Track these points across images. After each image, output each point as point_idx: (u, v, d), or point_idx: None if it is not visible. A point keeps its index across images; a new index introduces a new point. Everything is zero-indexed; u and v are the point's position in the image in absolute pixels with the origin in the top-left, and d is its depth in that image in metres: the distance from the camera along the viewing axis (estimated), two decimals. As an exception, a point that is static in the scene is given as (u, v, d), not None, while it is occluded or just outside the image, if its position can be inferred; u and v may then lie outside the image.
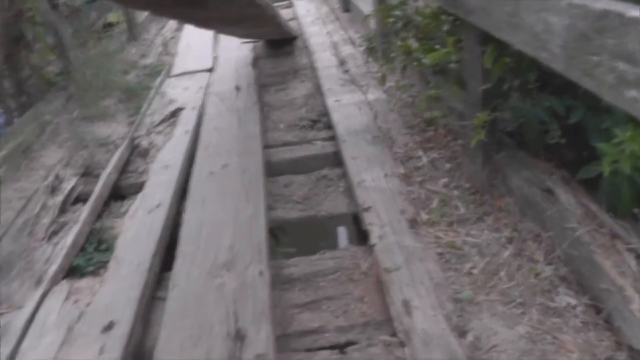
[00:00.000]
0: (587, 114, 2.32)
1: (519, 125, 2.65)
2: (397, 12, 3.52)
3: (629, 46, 1.35)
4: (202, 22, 4.43)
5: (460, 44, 2.76)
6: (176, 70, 5.59)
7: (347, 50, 5.37)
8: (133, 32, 7.02)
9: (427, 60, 3.08)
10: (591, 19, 1.50)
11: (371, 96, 4.06)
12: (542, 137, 2.50)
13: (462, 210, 2.64)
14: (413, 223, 2.55)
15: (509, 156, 2.68)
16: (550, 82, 2.51)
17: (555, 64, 1.74)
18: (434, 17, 3.23)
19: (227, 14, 3.72)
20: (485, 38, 2.35)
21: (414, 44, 3.42)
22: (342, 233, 2.96)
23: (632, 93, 1.36)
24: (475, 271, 2.24)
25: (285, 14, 7.85)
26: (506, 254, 2.31)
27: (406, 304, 2.05)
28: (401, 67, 3.56)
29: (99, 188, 3.26)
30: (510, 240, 2.38)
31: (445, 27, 3.15)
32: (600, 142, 2.06)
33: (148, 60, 6.14)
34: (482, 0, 2.24)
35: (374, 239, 2.45)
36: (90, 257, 2.78)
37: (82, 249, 2.85)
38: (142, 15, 7.81)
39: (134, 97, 4.79)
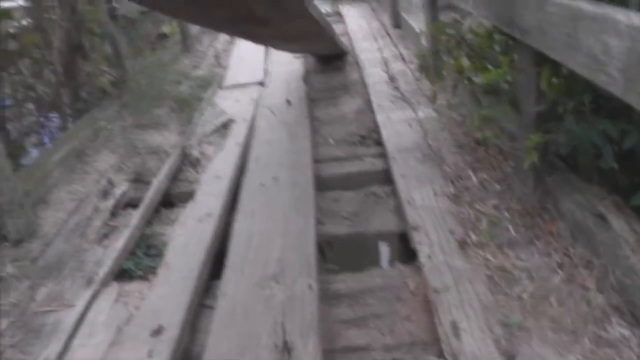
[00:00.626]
0: (641, 140, 2.29)
1: (572, 149, 2.62)
2: (451, 30, 3.53)
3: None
4: (260, 39, 4.50)
5: (514, 64, 2.75)
6: (228, 82, 5.67)
7: (397, 66, 5.38)
8: (186, 44, 7.15)
9: (480, 79, 3.08)
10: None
11: (421, 114, 4.06)
12: (595, 161, 2.47)
13: (512, 232, 2.61)
14: (462, 244, 2.53)
15: (561, 179, 2.65)
16: (604, 105, 2.48)
17: (614, 88, 1.72)
18: (487, 37, 3.23)
19: (287, 32, 3.77)
20: (541, 59, 2.34)
21: (466, 62, 3.41)
22: (390, 251, 2.95)
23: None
24: (524, 295, 2.21)
25: (336, 29, 7.91)
26: (557, 279, 2.27)
27: (454, 326, 2.04)
28: (452, 86, 3.57)
29: (150, 194, 3.34)
30: (561, 266, 2.34)
31: (498, 47, 3.15)
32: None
33: (200, 72, 6.24)
34: (539, 20, 2.23)
35: (422, 258, 2.44)
36: (139, 262, 2.85)
37: (132, 253, 2.92)
38: (196, 28, 7.95)
39: (186, 107, 4.87)
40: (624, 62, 1.64)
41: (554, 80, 2.41)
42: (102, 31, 5.07)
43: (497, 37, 3.14)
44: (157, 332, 2.21)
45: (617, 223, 2.29)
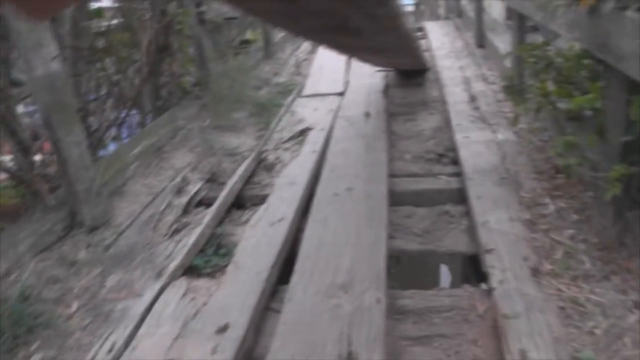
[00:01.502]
0: None
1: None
2: (539, 53, 3.47)
3: None
4: (348, 50, 4.52)
5: (603, 91, 2.68)
6: (307, 91, 5.74)
7: (479, 86, 5.32)
8: (268, 51, 7.28)
9: (567, 105, 3.01)
10: None
11: (501, 136, 4.00)
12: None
13: (588, 265, 2.54)
14: (535, 272, 2.47)
15: (643, 215, 2.56)
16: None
17: None
18: (577, 60, 3.16)
19: (375, 44, 3.77)
20: (633, 87, 2.27)
21: (551, 86, 3.35)
22: (459, 272, 2.92)
23: None
24: (597, 331, 2.14)
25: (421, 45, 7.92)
26: (632, 318, 2.19)
27: (523, 354, 1.99)
28: (535, 109, 3.50)
29: (224, 195, 3.40)
30: (637, 305, 2.26)
31: (585, 72, 3.07)
32: None
33: (281, 79, 6.34)
34: (636, 46, 2.17)
35: (494, 282, 2.40)
36: (209, 260, 2.90)
37: (202, 251, 2.98)
38: (278, 35, 8.08)
39: (265, 112, 4.95)
40: None
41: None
42: (190, 33, 5.20)
43: (585, 61, 3.07)
44: (223, 329, 2.24)
45: (701, 265, 2.21)
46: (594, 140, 2.78)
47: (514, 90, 3.75)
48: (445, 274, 3.18)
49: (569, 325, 2.18)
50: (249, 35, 7.95)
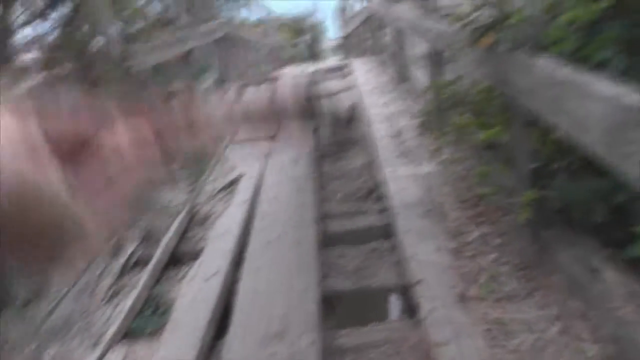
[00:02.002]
0: (631, 195, 2.37)
1: (567, 204, 2.71)
2: (451, 89, 3.66)
3: (661, 141, 1.44)
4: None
5: (511, 122, 2.86)
6: (239, 136, 5.79)
7: (403, 121, 5.48)
8: (201, 98, 7.31)
9: (478, 137, 3.18)
10: (625, 111, 1.60)
11: (425, 169, 4.16)
12: (589, 217, 2.55)
13: (511, 286, 2.68)
14: (462, 298, 2.61)
15: (557, 233, 2.73)
16: (596, 162, 2.57)
17: (596, 149, 1.83)
18: (487, 94, 3.34)
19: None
20: (534, 118, 2.44)
21: (467, 118, 3.53)
22: (394, 305, 3.03)
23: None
24: (522, 348, 2.28)
25: (343, 83, 8.10)
26: (553, 331, 2.34)
27: (453, 380, 2.11)
28: (454, 141, 3.68)
29: (159, 253, 3.42)
30: (557, 318, 2.41)
31: (498, 103, 3.25)
32: (643, 224, 2.12)
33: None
34: (529, 83, 2.35)
35: (423, 312, 2.52)
36: (147, 321, 2.91)
37: (140, 312, 2.98)
38: (204, 85, 8.14)
39: (197, 164, 4.99)
40: (603, 127, 1.75)
41: (551, 140, 2.51)
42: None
43: (495, 95, 3.25)
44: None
45: (611, 275, 2.37)
46: (504, 169, 2.95)
47: (430, 125, 3.92)
48: (388, 308, 3.27)
49: (495, 345, 2.31)
50: (174, 86, 7.96)
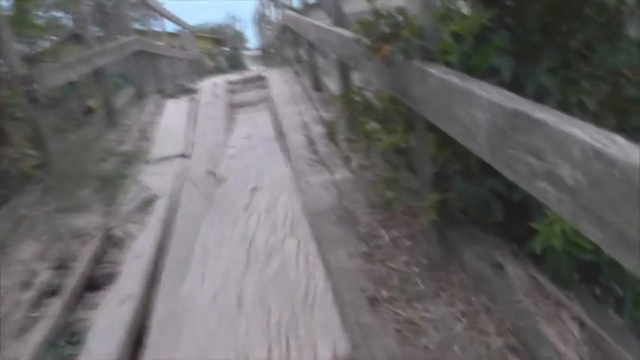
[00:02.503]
0: (527, 193, 2.50)
1: (468, 205, 2.83)
2: (357, 98, 3.75)
3: (536, 144, 1.54)
4: None
5: (412, 129, 2.97)
6: (153, 156, 5.75)
7: (317, 129, 5.58)
8: (112, 118, 7.19)
9: (380, 144, 3.28)
10: (507, 116, 1.70)
11: (338, 176, 4.25)
12: (489, 216, 2.68)
13: (421, 286, 2.78)
14: (373, 301, 2.69)
15: (462, 233, 2.85)
16: (490, 165, 2.71)
17: (483, 155, 1.93)
18: (391, 101, 3.45)
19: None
20: (432, 125, 2.54)
21: (375, 126, 3.63)
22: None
23: (542, 185, 1.54)
24: (430, 346, 2.37)
25: (260, 94, 8.16)
26: (460, 327, 2.45)
27: (364, 381, 2.17)
28: (364, 148, 3.77)
29: (72, 280, 3.32)
30: (464, 314, 2.52)
31: (403, 110, 3.36)
32: (541, 218, 2.24)
33: (126, 147, 6.28)
34: (423, 91, 2.46)
35: (334, 318, 2.58)
36: (61, 352, 2.80)
37: (54, 344, 2.86)
38: (121, 100, 8.05)
39: (111, 186, 4.90)
40: (488, 132, 1.85)
41: (446, 145, 2.62)
42: (23, 115, 5.07)
43: (397, 103, 3.36)
44: None
45: (513, 270, 2.50)
46: (409, 174, 3.07)
47: (336, 135, 4.01)
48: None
49: (405, 344, 2.40)
50: (91, 103, 7.83)
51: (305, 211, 3.03)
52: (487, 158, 1.91)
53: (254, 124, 6.26)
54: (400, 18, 2.76)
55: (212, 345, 2.43)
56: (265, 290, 2.58)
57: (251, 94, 8.49)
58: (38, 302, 3.21)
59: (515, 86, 2.01)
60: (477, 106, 1.90)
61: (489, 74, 2.36)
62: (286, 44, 11.64)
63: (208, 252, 3.16)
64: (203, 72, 19.92)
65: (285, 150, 5.15)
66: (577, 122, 1.45)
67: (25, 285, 3.35)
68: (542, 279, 2.44)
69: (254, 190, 3.36)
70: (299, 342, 2.33)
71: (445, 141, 2.57)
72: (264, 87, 8.69)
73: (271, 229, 2.77)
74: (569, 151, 1.37)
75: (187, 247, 3.44)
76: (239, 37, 37.31)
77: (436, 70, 2.32)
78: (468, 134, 2.02)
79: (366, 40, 2.89)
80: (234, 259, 2.93)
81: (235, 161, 4.20)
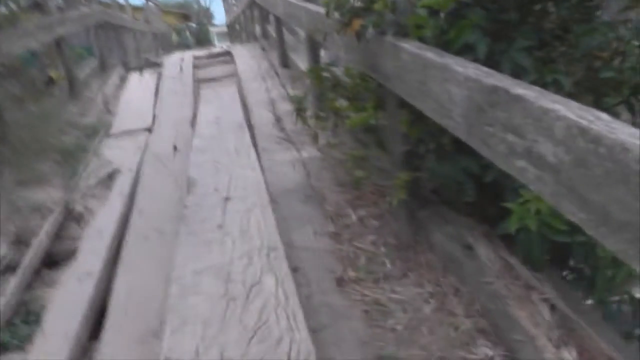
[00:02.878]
0: (501, 173, 2.45)
1: (440, 184, 2.78)
2: (326, 74, 3.67)
3: (515, 120, 1.48)
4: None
5: (383, 106, 2.90)
6: (115, 129, 5.60)
7: (284, 107, 5.50)
8: (74, 90, 7.00)
9: (350, 121, 3.22)
10: (484, 92, 1.64)
11: (305, 154, 4.18)
12: (461, 196, 2.63)
13: (389, 266, 2.74)
14: (340, 281, 2.63)
15: (432, 213, 2.81)
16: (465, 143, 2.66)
17: (458, 132, 1.88)
18: (361, 78, 3.38)
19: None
20: (404, 102, 2.48)
21: (344, 103, 3.56)
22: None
23: (521, 163, 1.49)
24: (398, 327, 2.33)
25: (226, 69, 8.02)
26: (428, 309, 2.41)
27: (332, 364, 2.12)
28: (332, 126, 3.70)
29: (29, 257, 3.19)
30: (432, 296, 2.48)
31: (373, 87, 3.30)
32: (514, 199, 2.20)
33: (88, 119, 6.11)
34: (396, 68, 2.39)
35: (300, 299, 2.51)
36: (16, 331, 2.68)
37: (10, 323, 2.74)
38: (84, 72, 7.84)
39: (71, 159, 4.75)
40: (464, 109, 1.80)
41: (418, 124, 2.56)
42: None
43: (368, 79, 3.29)
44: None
45: (484, 251, 2.46)
46: (379, 153, 3.00)
47: (304, 111, 3.93)
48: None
49: (373, 326, 2.35)
50: (52, 74, 7.60)
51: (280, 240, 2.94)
52: (462, 136, 1.86)
53: (221, 103, 6.02)
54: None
55: None
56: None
57: (217, 69, 8.33)
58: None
59: (490, 64, 1.95)
60: (454, 82, 1.84)
61: (464, 51, 2.29)
62: (253, 20, 11.48)
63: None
64: (168, 47, 19.64)
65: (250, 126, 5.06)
66: (559, 98, 1.40)
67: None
68: (513, 261, 2.41)
69: (226, 200, 3.22)
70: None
71: (417, 119, 2.51)
72: (231, 62, 8.54)
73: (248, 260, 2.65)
74: (551, 128, 1.32)
75: (148, 223, 3.35)
76: (205, 13, 36.85)
77: (410, 46, 2.26)
78: (443, 110, 1.97)
79: (337, 15, 2.81)
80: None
81: (204, 157, 4.04)
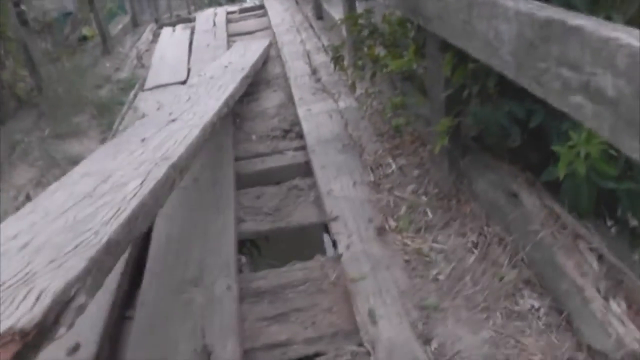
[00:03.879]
0: (547, 117, 2.34)
1: (482, 130, 2.68)
2: (363, 21, 3.56)
3: (571, 54, 1.38)
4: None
5: (424, 51, 2.79)
6: (149, 83, 5.58)
7: (320, 58, 5.41)
8: (107, 46, 7.02)
9: (391, 66, 3.11)
10: (537, 26, 1.53)
11: (342, 104, 4.10)
12: (504, 142, 2.53)
13: (430, 216, 2.66)
14: (381, 231, 2.57)
15: (475, 160, 2.71)
16: (510, 86, 2.54)
17: (507, 71, 1.78)
18: (400, 25, 3.27)
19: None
20: (446, 45, 2.37)
21: (382, 51, 3.45)
22: (315, 243, 2.97)
23: (577, 99, 1.39)
24: (441, 277, 2.26)
25: (259, 23, 7.92)
26: (471, 259, 2.33)
27: (372, 313, 2.07)
28: (370, 75, 3.60)
29: None
30: (475, 245, 2.40)
31: (412, 34, 3.18)
32: (560, 144, 2.09)
33: (122, 74, 6.13)
34: (439, 8, 2.28)
35: (341, 248, 2.47)
36: None
37: None
38: (117, 28, 7.82)
39: (107, 112, 4.77)
40: (513, 46, 1.69)
41: (462, 66, 2.45)
42: (13, 36, 4.87)
43: (409, 25, 3.18)
44: (74, 349, 2.14)
45: (529, 199, 2.36)
46: (421, 99, 2.90)
47: (342, 59, 3.83)
48: (312, 246, 3.21)
49: (414, 276, 2.29)
50: (85, 31, 7.60)
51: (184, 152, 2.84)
52: (511, 74, 1.75)
53: (244, 52, 5.90)
54: None
55: None
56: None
57: (251, 23, 8.25)
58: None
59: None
60: (503, 18, 1.73)
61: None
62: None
63: None
64: (200, 3, 19.50)
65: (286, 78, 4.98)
66: (620, 26, 1.29)
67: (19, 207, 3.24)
68: (559, 209, 2.30)
69: (171, 121, 3.14)
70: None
71: (460, 61, 2.40)
72: (264, 16, 8.43)
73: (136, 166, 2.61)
74: (613, 58, 1.21)
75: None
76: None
77: (453, -16, 2.14)
78: (490, 49, 1.86)
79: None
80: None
81: (190, 90, 3.95)
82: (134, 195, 2.04)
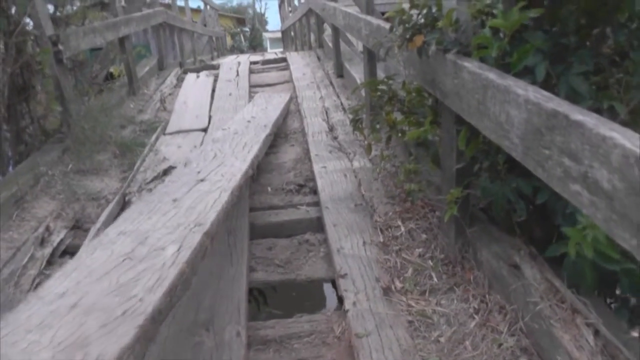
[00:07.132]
0: (552, 196, 2.48)
1: (490, 203, 2.81)
2: (383, 87, 3.73)
3: (572, 145, 1.52)
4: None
5: (439, 120, 2.94)
6: (171, 127, 5.76)
7: (337, 116, 5.58)
8: (133, 86, 7.20)
9: (407, 135, 3.26)
10: (544, 116, 1.68)
11: (357, 164, 4.25)
12: (511, 215, 2.66)
13: (435, 280, 2.78)
14: (387, 291, 2.68)
15: (481, 230, 2.83)
16: (518, 164, 2.68)
17: (515, 153, 1.92)
18: (417, 93, 3.43)
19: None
20: (460, 119, 2.52)
21: (399, 116, 3.61)
22: (322, 297, 3.08)
23: (575, 187, 1.52)
24: (442, 339, 2.37)
25: (281, 75, 8.13)
26: (472, 324, 2.44)
27: (373, 369, 2.17)
28: (386, 138, 3.76)
29: (88, 241, 3.31)
30: (477, 311, 2.51)
31: (430, 102, 3.34)
32: (564, 223, 2.21)
33: (145, 116, 6.30)
34: (456, 85, 2.44)
35: (348, 304, 2.58)
36: None
37: None
38: (143, 70, 8.05)
39: (129, 152, 4.92)
40: (522, 131, 1.84)
41: (475, 141, 2.60)
42: (50, 73, 5.08)
43: (426, 94, 3.34)
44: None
45: (530, 272, 2.47)
46: (432, 167, 3.04)
47: (360, 122, 3.99)
48: (318, 300, 3.32)
49: (417, 336, 2.39)
50: (113, 69, 7.85)
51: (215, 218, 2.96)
52: (518, 156, 1.90)
53: (266, 106, 6.02)
54: (435, 9, 2.74)
55: None
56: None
57: (272, 75, 8.47)
58: (53, 261, 3.24)
59: (546, 87, 1.98)
60: (514, 104, 1.89)
61: (521, 73, 2.32)
62: (309, 28, 11.59)
63: None
64: (223, 49, 19.97)
65: (304, 133, 5.15)
66: (617, 126, 1.43)
67: (42, 242, 3.38)
68: (559, 284, 2.42)
69: (200, 181, 3.27)
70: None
71: (473, 136, 2.55)
72: (285, 69, 8.67)
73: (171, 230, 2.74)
74: (608, 155, 1.36)
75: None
76: (260, 18, 37.30)
77: (471, 65, 2.30)
78: (501, 130, 2.01)
79: (399, 30, 2.87)
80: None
81: (214, 146, 4.07)
82: (173, 262, 2.17)
